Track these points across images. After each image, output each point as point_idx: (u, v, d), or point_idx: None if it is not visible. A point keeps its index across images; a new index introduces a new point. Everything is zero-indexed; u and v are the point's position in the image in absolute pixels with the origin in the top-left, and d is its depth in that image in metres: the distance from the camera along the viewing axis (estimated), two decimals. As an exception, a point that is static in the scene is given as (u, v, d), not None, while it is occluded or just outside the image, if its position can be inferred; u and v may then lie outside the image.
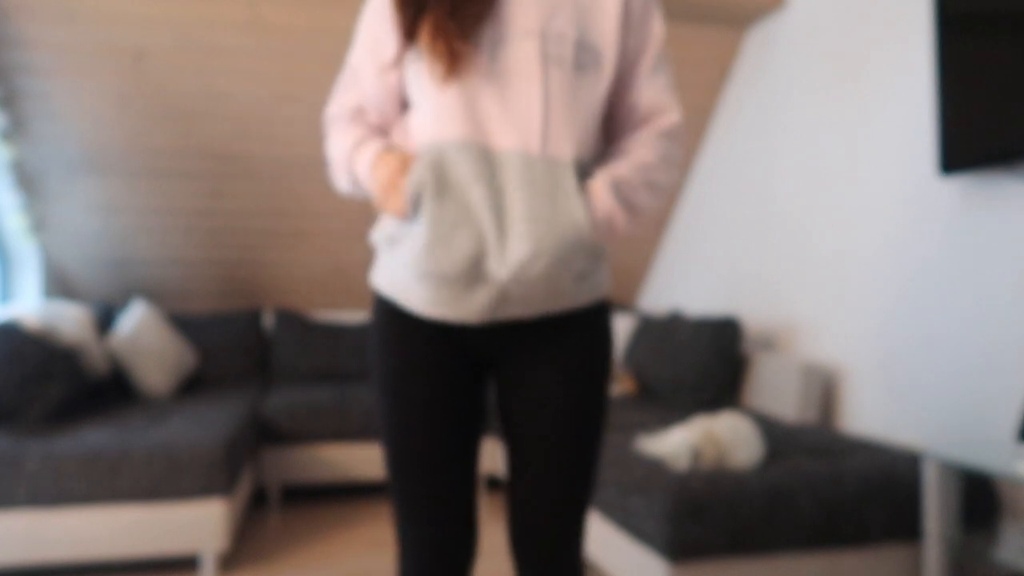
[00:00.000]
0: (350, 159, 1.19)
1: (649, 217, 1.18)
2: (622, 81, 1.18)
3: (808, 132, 3.10)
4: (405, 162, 1.11)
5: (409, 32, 1.09)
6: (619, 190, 1.12)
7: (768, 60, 3.38)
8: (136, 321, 3.57)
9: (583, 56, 1.10)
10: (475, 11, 1.07)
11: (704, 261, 3.90)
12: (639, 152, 1.16)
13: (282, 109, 3.43)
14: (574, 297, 1.16)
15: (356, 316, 4.46)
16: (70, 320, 3.18)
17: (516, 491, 1.22)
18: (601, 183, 1.11)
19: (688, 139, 3.90)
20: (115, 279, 3.99)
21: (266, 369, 4.07)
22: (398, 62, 1.12)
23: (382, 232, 1.19)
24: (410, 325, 1.18)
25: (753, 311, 3.45)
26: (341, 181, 1.24)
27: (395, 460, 1.20)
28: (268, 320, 4.27)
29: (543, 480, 1.19)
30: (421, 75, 1.10)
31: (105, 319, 3.65)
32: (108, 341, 3.40)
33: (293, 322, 4.06)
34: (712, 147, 3.85)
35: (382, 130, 1.23)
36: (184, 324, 3.94)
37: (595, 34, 1.12)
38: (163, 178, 3.60)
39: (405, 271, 1.13)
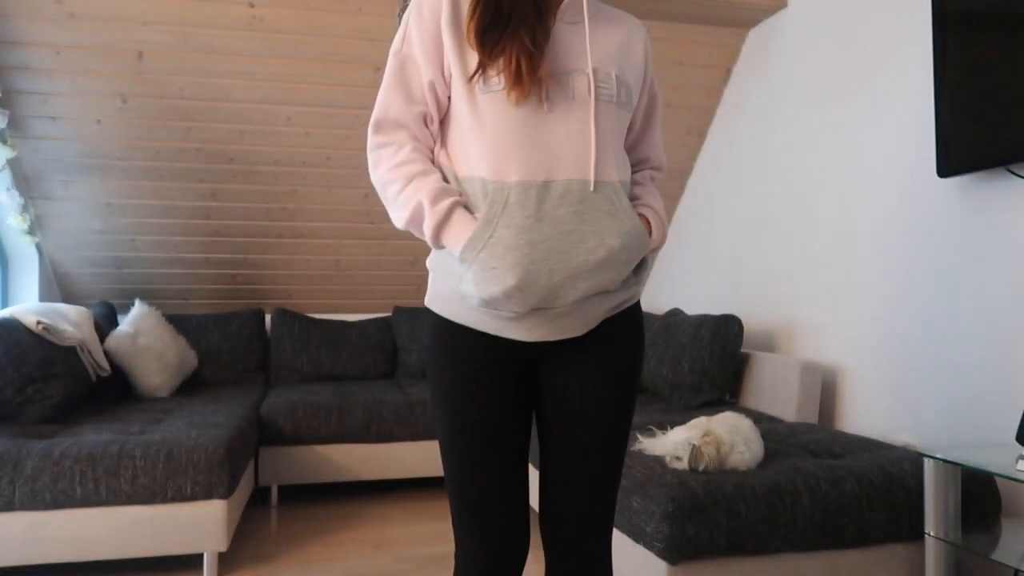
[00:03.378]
0: (444, 213, 1.18)
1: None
2: (640, 131, 1.37)
3: (808, 132, 3.10)
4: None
5: (491, 55, 1.16)
6: (661, 215, 1.33)
7: (768, 61, 3.38)
8: (136, 321, 3.57)
9: (623, 94, 1.24)
10: (543, 45, 1.18)
11: (704, 261, 3.90)
12: (657, 197, 1.37)
13: (282, 109, 3.43)
14: (618, 306, 1.27)
15: (356, 316, 4.46)
16: (70, 320, 3.18)
17: (552, 483, 1.28)
18: (655, 208, 1.32)
19: (689, 139, 3.91)
20: (115, 279, 3.99)
21: (266, 369, 4.07)
22: (476, 77, 1.17)
23: (444, 262, 1.24)
24: (466, 339, 1.25)
25: (753, 311, 3.45)
26: (397, 219, 1.23)
27: (458, 464, 1.26)
28: (268, 320, 4.27)
29: (580, 468, 1.26)
30: (485, 99, 1.17)
31: (105, 319, 3.65)
32: (108, 341, 3.40)
33: (293, 322, 4.06)
34: (713, 147, 3.85)
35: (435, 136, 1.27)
36: (184, 324, 3.95)
37: (629, 75, 1.27)
38: (163, 178, 3.60)
39: (489, 309, 1.20)
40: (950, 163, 2.26)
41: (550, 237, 1.14)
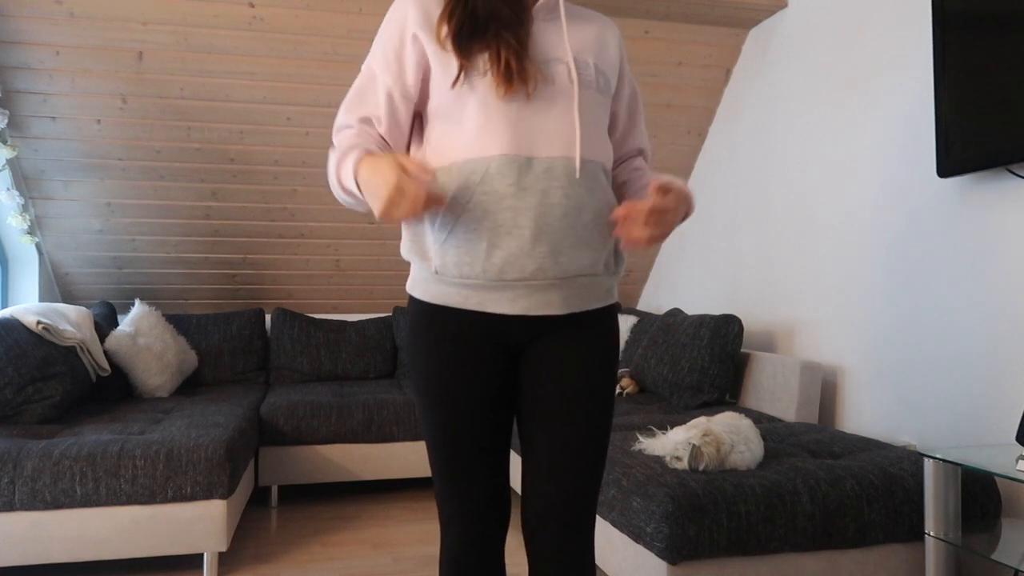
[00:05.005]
0: (338, 170, 1.24)
1: None
2: (627, 124, 1.43)
3: (808, 132, 3.10)
4: (394, 163, 1.10)
5: (469, 57, 1.20)
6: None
7: (768, 61, 3.38)
8: (136, 321, 3.57)
9: (601, 81, 1.29)
10: (527, 43, 1.23)
11: (704, 261, 3.90)
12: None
13: (282, 109, 3.43)
14: (600, 297, 1.31)
15: (356, 316, 4.46)
16: (70, 320, 3.19)
17: (536, 471, 1.29)
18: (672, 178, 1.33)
19: (689, 139, 3.91)
20: (115, 279, 3.99)
21: (266, 369, 4.07)
22: (460, 80, 1.21)
23: (421, 246, 1.28)
24: (446, 319, 1.27)
25: (753, 311, 3.45)
26: (336, 193, 1.30)
27: (443, 446, 1.29)
28: (268, 320, 4.27)
29: (565, 456, 1.27)
30: (473, 90, 1.20)
31: (105, 319, 3.65)
32: (108, 341, 3.40)
33: (293, 322, 4.06)
34: (713, 147, 3.85)
35: (388, 142, 1.31)
36: (184, 324, 3.95)
37: (605, 66, 1.32)
38: (163, 178, 3.60)
39: (469, 282, 1.23)
40: (950, 163, 2.26)
41: (534, 207, 1.18)
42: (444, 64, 1.22)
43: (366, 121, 1.29)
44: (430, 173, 1.09)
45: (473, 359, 1.27)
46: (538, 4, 1.27)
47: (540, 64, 1.23)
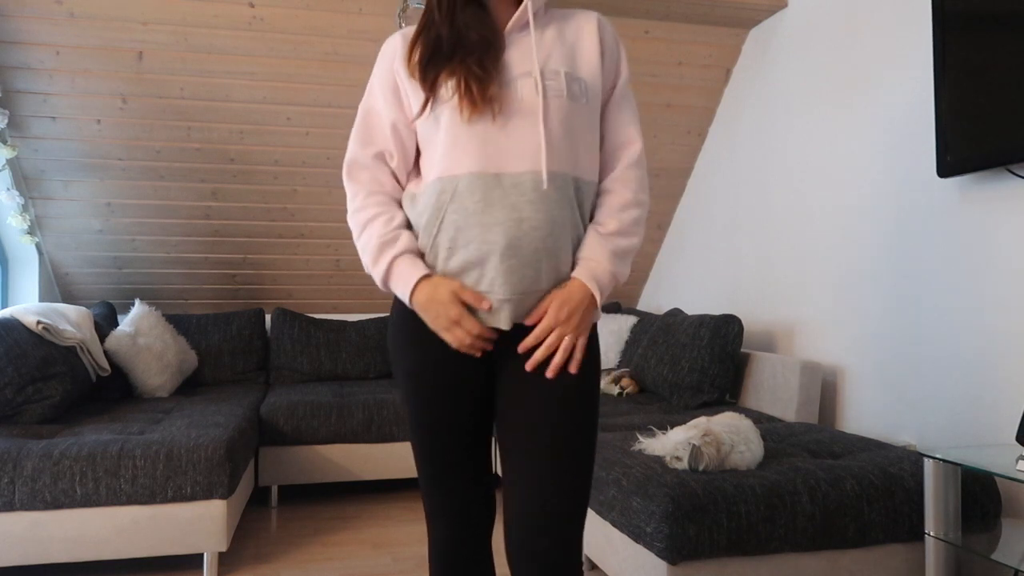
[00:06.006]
0: (387, 273, 1.28)
1: (638, 244, 1.36)
2: (606, 112, 1.38)
3: (808, 132, 3.11)
4: (454, 298, 1.22)
5: (433, 85, 1.24)
6: (615, 253, 1.30)
7: (768, 61, 3.38)
8: (136, 321, 3.56)
9: (574, 87, 1.27)
10: (494, 62, 1.24)
11: (704, 261, 3.90)
12: (622, 193, 1.32)
13: (282, 109, 3.43)
14: None
15: (356, 316, 4.46)
16: (70, 320, 3.19)
17: (517, 481, 1.28)
18: (599, 251, 1.29)
19: (689, 139, 3.91)
20: (115, 279, 3.99)
21: (266, 369, 4.07)
22: (426, 111, 1.25)
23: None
24: (425, 324, 1.28)
25: (753, 311, 3.45)
26: (365, 265, 1.33)
27: (425, 443, 1.32)
28: (268, 320, 4.27)
29: (546, 466, 1.25)
30: (439, 118, 1.24)
31: (105, 319, 3.65)
32: (108, 341, 3.40)
33: (293, 322, 4.06)
34: (713, 147, 3.85)
35: (399, 180, 1.34)
36: (184, 324, 3.95)
37: (581, 68, 1.29)
38: (163, 178, 3.60)
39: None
40: (950, 163, 2.26)
41: (503, 222, 1.20)
42: (416, 94, 1.27)
43: (380, 157, 1.33)
44: (487, 304, 1.22)
45: (455, 360, 1.29)
46: (510, 23, 1.28)
47: (508, 81, 1.24)
